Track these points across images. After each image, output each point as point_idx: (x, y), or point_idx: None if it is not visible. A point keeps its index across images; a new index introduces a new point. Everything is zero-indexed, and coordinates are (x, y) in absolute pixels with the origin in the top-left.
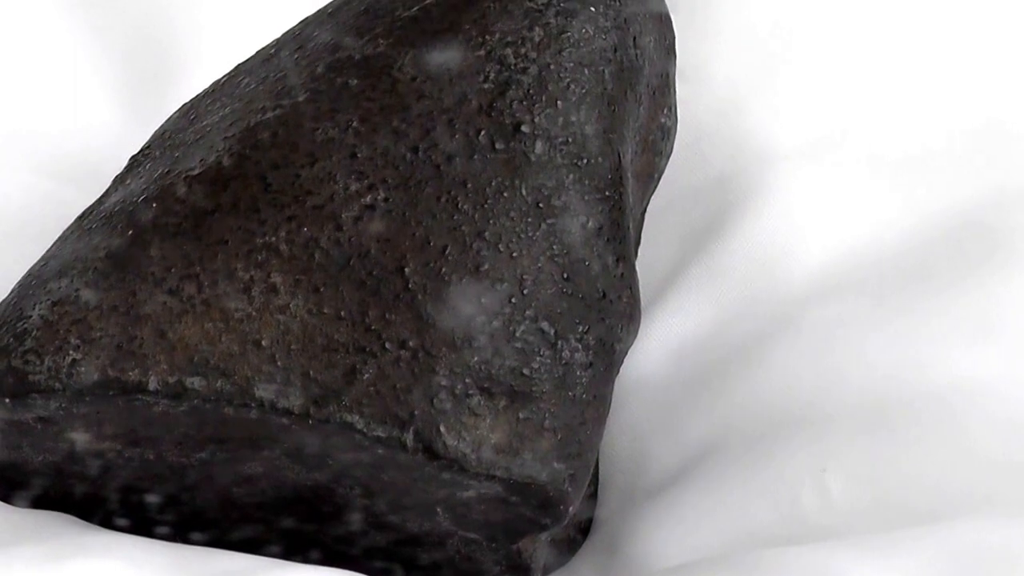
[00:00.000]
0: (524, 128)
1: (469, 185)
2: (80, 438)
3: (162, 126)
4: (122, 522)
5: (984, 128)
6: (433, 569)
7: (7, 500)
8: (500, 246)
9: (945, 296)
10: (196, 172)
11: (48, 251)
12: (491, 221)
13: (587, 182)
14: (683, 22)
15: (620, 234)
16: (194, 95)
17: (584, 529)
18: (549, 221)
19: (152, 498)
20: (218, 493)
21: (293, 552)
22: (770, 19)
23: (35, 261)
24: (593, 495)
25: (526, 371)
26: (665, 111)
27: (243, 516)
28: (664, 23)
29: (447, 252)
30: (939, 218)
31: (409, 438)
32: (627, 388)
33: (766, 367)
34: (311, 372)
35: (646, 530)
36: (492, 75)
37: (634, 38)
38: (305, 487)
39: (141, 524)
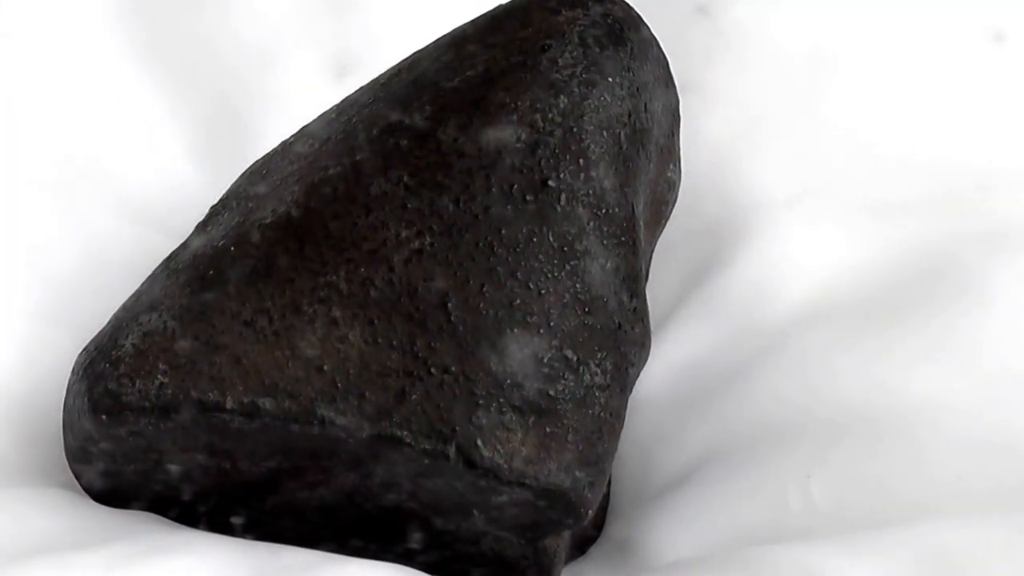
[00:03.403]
0: (551, 183)
1: (503, 232)
2: (166, 449)
3: (237, 181)
4: (205, 526)
5: (955, 176)
6: None
7: None
8: (530, 284)
9: (913, 327)
10: (268, 221)
11: (139, 288)
12: (522, 263)
13: (605, 229)
14: (684, 90)
15: (634, 273)
16: (263, 154)
17: (599, 526)
18: (572, 263)
19: (231, 507)
20: (285, 501)
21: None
22: (756, 90)
23: (120, 294)
24: (606, 498)
25: (552, 392)
26: (671, 166)
27: (316, 535)
28: (670, 90)
29: (484, 290)
30: (910, 258)
31: (451, 451)
32: (636, 405)
33: (756, 386)
34: (366, 394)
35: (651, 528)
36: (523, 137)
37: (645, 104)
38: (360, 494)
39: (223, 531)
